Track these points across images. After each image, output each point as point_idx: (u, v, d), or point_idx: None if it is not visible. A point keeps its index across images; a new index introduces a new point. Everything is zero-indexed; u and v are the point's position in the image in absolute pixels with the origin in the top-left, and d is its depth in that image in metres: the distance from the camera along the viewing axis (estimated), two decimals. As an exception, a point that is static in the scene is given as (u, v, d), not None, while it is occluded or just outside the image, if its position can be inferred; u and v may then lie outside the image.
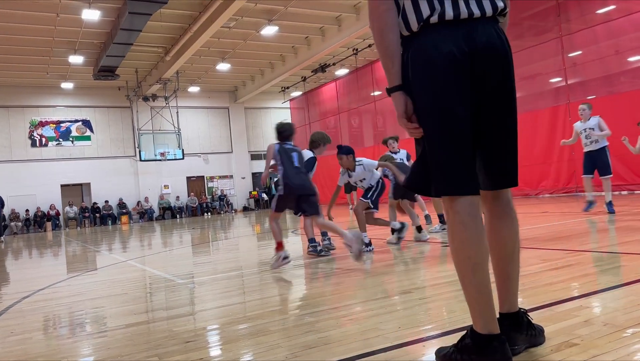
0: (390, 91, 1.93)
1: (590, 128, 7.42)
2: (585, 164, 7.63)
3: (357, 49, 20.21)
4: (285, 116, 28.32)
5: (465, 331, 1.89)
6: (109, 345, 2.74)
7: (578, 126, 7.71)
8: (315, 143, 6.01)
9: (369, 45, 19.66)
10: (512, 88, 1.89)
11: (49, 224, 22.99)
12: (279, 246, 4.99)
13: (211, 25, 15.98)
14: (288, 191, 5.06)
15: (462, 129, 1.81)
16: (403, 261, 5.07)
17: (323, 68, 22.10)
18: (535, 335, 2.03)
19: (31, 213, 23.10)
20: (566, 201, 11.61)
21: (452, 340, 2.25)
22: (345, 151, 5.80)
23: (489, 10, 1.83)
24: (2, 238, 8.92)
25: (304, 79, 24.39)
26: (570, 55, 13.76)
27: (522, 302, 2.89)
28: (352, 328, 2.66)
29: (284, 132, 5.34)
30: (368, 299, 3.28)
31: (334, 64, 21.96)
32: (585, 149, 7.59)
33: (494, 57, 1.83)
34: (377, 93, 20.71)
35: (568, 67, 13.71)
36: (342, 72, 23.18)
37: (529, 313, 2.05)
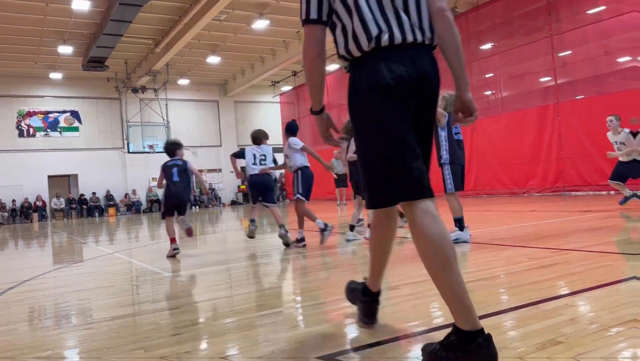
0: (315, 113, 2.29)
1: (621, 142, 7.98)
2: (621, 170, 8.10)
3: (349, 45, 20.20)
4: (275, 110, 28.26)
5: (451, 328, 1.90)
6: (95, 337, 2.72)
7: (610, 137, 8.23)
8: (257, 139, 6.72)
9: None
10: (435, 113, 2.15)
11: (35, 215, 22.75)
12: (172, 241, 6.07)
13: (202, 17, 15.87)
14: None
15: (412, 144, 1.97)
16: (392, 257, 5.08)
17: (314, 63, 22.04)
18: None
19: (18, 204, 22.84)
20: (554, 200, 11.73)
21: (440, 336, 2.27)
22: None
23: (428, 39, 2.02)
24: None
25: (295, 73, 24.31)
26: (560, 54, 13.86)
27: (509, 300, 2.92)
28: (339, 323, 2.66)
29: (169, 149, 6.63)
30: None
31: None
32: (620, 159, 8.11)
33: (433, 84, 2.04)
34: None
35: (558, 66, 13.81)
36: (332, 67, 23.14)
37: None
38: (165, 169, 6.42)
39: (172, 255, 6.00)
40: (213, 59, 21.73)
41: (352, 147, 6.39)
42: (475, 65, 15.60)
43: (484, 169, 15.74)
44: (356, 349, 2.23)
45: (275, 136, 28.52)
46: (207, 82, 27.37)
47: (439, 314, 2.70)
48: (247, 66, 24.57)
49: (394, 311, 2.79)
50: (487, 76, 15.83)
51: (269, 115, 29.55)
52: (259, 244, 7.26)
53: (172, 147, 6.64)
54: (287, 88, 26.93)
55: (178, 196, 6.38)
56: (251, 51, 22.02)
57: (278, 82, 26.00)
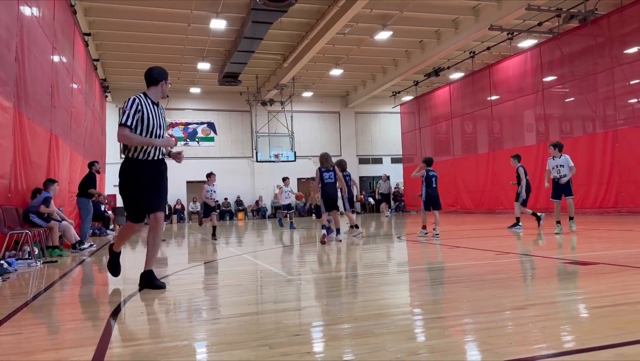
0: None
1: (560, 165, 9.21)
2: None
3: (474, 52, 19.51)
4: (395, 121, 28.14)
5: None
6: (224, 331, 2.94)
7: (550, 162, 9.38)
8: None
9: (488, 48, 18.88)
10: None
11: (174, 217, 25.05)
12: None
13: (327, 32, 16.39)
14: None
15: None
16: (517, 275, 4.81)
17: (437, 72, 21.62)
18: None
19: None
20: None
21: (569, 361, 2.12)
22: None
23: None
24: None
25: (416, 83, 24.04)
26: None
27: None
28: (459, 339, 2.59)
29: None
30: (478, 312, 3.17)
31: (448, 68, 21.40)
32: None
33: None
34: (494, 97, 19.78)
35: None
36: (457, 75, 22.51)
37: None
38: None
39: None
40: (336, 72, 22.30)
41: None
42: (619, 70, 14.19)
43: (627, 184, 14.19)
44: (476, 366, 2.16)
45: (395, 146, 28.47)
46: (329, 94, 28.16)
47: (570, 338, 2.51)
48: (369, 77, 24.83)
49: (520, 332, 2.64)
50: (632, 82, 14.29)
51: (388, 125, 29.55)
52: (376, 254, 7.28)
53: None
54: (407, 98, 26.73)
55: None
56: (373, 62, 22.24)
57: (399, 92, 25.92)
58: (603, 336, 2.47)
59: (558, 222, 8.94)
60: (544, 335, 2.56)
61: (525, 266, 5.39)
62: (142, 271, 4.58)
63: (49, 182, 8.82)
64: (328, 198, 9.14)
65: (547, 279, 4.30)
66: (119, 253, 5.03)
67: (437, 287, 4.24)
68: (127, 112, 4.55)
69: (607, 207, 14.67)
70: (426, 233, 9.41)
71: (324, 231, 9.06)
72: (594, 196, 15.07)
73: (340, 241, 9.10)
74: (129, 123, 4.51)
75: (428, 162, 9.82)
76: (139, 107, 4.57)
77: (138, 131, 4.55)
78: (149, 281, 4.52)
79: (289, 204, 14.87)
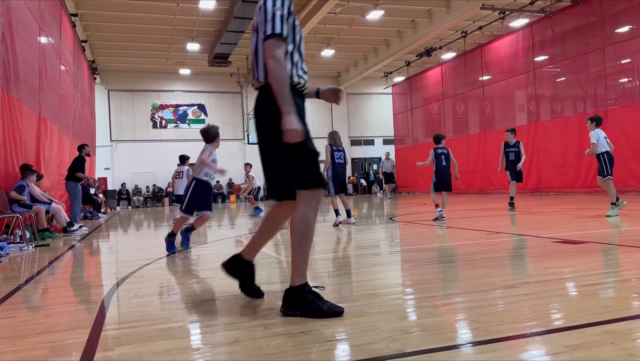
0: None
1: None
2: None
3: (466, 32, 19.43)
4: (387, 102, 28.09)
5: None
6: (218, 312, 2.97)
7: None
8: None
9: (479, 28, 18.79)
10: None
11: (166, 200, 25.00)
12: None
13: (318, 11, 16.23)
14: None
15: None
16: (508, 255, 4.87)
17: (429, 52, 21.52)
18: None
19: (151, 189, 25.24)
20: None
21: (559, 338, 2.16)
22: None
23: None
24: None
25: (408, 63, 23.95)
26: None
27: (642, 306, 2.67)
28: (450, 318, 2.63)
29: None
30: (469, 291, 3.21)
31: (440, 48, 21.31)
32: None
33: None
34: (485, 78, 19.76)
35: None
36: (448, 55, 22.42)
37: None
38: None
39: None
40: (327, 52, 22.13)
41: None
42: (610, 50, 14.19)
43: (617, 164, 14.25)
44: (467, 344, 2.19)
45: (387, 127, 28.45)
46: (320, 75, 27.97)
47: (559, 316, 2.55)
48: (360, 57, 24.68)
49: (511, 310, 2.68)
50: (623, 62, 14.32)
51: (380, 106, 29.49)
52: (368, 235, 7.32)
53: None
54: (399, 79, 26.64)
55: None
56: (365, 42, 22.08)
57: (391, 73, 25.82)
58: (592, 313, 2.52)
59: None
60: (534, 313, 2.60)
61: (515, 245, 5.45)
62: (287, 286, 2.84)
63: (28, 171, 8.50)
64: (338, 179, 8.57)
65: (537, 258, 4.36)
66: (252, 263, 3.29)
67: (429, 267, 4.28)
68: (278, 12, 2.68)
69: (597, 186, 14.80)
70: (441, 211, 8.66)
71: (339, 218, 8.37)
72: (584, 176, 15.21)
73: (354, 223, 8.73)
74: (284, 33, 2.72)
75: (437, 139, 9.07)
76: (291, 6, 2.79)
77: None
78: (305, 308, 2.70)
79: (260, 187, 14.38)
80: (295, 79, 2.86)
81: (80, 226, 10.05)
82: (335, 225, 8.38)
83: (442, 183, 8.79)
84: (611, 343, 2.07)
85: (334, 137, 8.78)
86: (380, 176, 22.00)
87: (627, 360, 1.87)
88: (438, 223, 8.12)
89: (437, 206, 8.75)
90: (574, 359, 1.92)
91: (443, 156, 8.80)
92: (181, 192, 10.49)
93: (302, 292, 2.71)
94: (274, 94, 2.69)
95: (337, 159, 8.60)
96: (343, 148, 8.80)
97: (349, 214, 8.71)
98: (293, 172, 2.79)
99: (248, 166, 14.12)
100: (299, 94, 2.91)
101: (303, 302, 2.68)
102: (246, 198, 13.73)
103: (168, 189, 25.38)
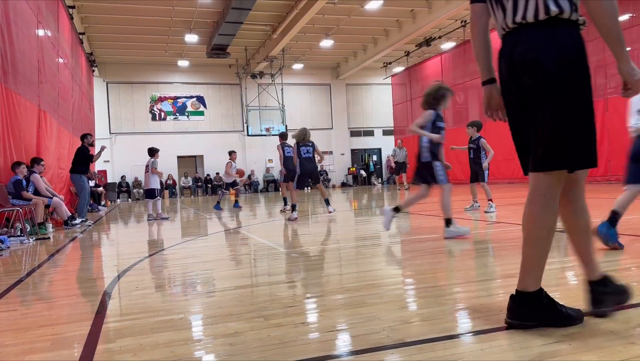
0: (483, 84, 2.33)
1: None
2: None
3: (465, 21, 19.31)
4: (387, 92, 28.03)
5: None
6: (219, 304, 2.98)
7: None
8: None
9: (479, 17, 18.66)
10: None
11: (166, 193, 25.01)
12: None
13: (317, 1, 16.12)
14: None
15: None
16: (508, 244, 4.88)
17: (428, 42, 21.42)
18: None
19: (151, 182, 25.24)
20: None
21: (553, 330, 2.16)
22: None
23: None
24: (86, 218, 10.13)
25: (407, 53, 23.84)
26: None
27: (637, 295, 2.69)
28: (450, 308, 2.64)
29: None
30: (469, 281, 3.22)
31: (439, 37, 21.20)
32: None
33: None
34: (485, 68, 19.63)
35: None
36: (448, 45, 22.32)
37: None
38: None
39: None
40: (326, 43, 22.03)
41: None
42: (610, 38, 14.14)
43: (617, 153, 14.31)
44: (467, 333, 2.21)
45: (386, 118, 28.39)
46: (320, 66, 27.88)
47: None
48: (360, 47, 24.57)
49: (509, 299, 2.69)
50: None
51: (379, 97, 29.40)
52: (368, 226, 7.33)
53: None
54: (399, 69, 26.54)
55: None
56: (364, 33, 21.97)
57: (390, 63, 25.71)
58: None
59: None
60: (533, 302, 2.61)
61: (515, 235, 5.46)
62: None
63: (16, 164, 8.32)
64: (305, 173, 8.77)
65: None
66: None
67: (429, 257, 4.29)
68: None
69: (597, 175, 14.81)
70: (487, 205, 8.27)
71: (295, 214, 8.42)
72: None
73: (333, 212, 9.21)
74: None
75: (479, 126, 9.19)
76: None
77: None
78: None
79: (235, 181, 13.80)
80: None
81: (84, 220, 10.02)
82: (289, 219, 8.42)
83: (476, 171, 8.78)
84: (610, 331, 2.08)
85: (302, 135, 8.93)
86: (393, 165, 19.88)
87: (626, 349, 1.88)
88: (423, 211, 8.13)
89: (490, 200, 8.38)
90: (573, 347, 1.93)
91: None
92: (151, 185, 10.98)
93: (540, 298, 2.22)
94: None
95: (305, 153, 8.81)
96: (311, 143, 9.00)
97: (327, 203, 9.34)
98: (567, 141, 2.11)
99: (234, 154, 13.64)
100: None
101: (542, 309, 2.20)
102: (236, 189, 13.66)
103: (168, 182, 25.41)
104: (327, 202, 9.37)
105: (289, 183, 9.29)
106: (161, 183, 25.42)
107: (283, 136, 10.92)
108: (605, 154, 14.57)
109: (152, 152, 10.96)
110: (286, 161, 10.30)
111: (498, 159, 10.48)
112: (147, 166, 10.89)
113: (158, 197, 10.99)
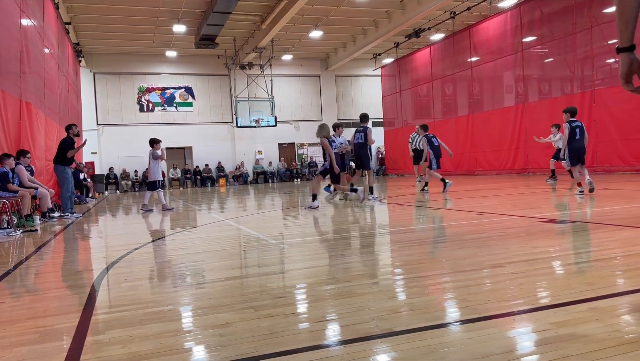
0: (619, 51, 1.99)
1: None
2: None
3: (454, 13, 19.32)
4: (376, 84, 28.01)
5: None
6: (209, 295, 2.97)
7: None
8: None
9: (468, 8, 18.70)
10: None
11: (155, 184, 24.84)
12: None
13: (306, -9, 16.03)
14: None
15: None
16: (496, 235, 4.92)
17: (417, 33, 21.40)
18: None
19: (140, 174, 25.06)
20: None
21: (545, 316, 2.20)
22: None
23: None
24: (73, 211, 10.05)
25: (397, 45, 23.82)
26: None
27: (625, 283, 2.73)
28: (439, 297, 2.66)
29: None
30: (457, 271, 3.25)
31: (429, 29, 21.19)
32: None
33: None
34: (474, 59, 19.73)
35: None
36: (437, 37, 22.33)
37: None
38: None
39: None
40: (315, 34, 21.93)
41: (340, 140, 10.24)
42: (597, 30, 14.23)
43: (603, 144, 14.47)
44: (454, 322, 2.23)
45: (376, 109, 28.39)
46: (309, 57, 27.76)
47: (545, 294, 2.59)
48: (349, 39, 24.50)
49: (498, 289, 2.72)
50: (610, 42, 14.37)
51: (369, 88, 29.37)
52: (358, 217, 7.35)
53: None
54: (388, 61, 26.51)
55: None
56: (353, 23, 21.90)
57: (379, 54, 25.67)
58: (577, 291, 2.56)
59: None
60: (520, 291, 2.65)
61: (503, 225, 5.51)
62: None
63: (4, 156, 8.20)
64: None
65: (524, 238, 4.41)
66: None
67: (418, 247, 4.32)
68: None
69: (586, 167, 14.96)
70: (582, 191, 8.30)
71: (316, 203, 8.60)
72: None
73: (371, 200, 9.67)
74: None
75: (573, 112, 8.72)
76: None
77: None
78: None
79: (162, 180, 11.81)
80: None
81: (66, 214, 9.89)
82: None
83: (579, 155, 8.53)
84: (596, 319, 2.11)
85: (329, 130, 9.53)
86: (410, 153, 16.29)
87: (611, 336, 1.91)
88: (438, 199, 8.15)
89: (579, 184, 8.44)
90: (559, 335, 1.96)
91: (578, 129, 8.51)
92: (152, 177, 11.07)
93: None
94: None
95: (334, 148, 9.56)
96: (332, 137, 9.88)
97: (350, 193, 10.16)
98: None
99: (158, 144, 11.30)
100: None
101: None
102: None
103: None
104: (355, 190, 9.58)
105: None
106: (163, 173, 25.34)
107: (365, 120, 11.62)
108: (592, 146, 14.71)
109: (151, 142, 10.99)
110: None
111: (485, 150, 10.54)
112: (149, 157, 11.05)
113: (159, 188, 11.10)
